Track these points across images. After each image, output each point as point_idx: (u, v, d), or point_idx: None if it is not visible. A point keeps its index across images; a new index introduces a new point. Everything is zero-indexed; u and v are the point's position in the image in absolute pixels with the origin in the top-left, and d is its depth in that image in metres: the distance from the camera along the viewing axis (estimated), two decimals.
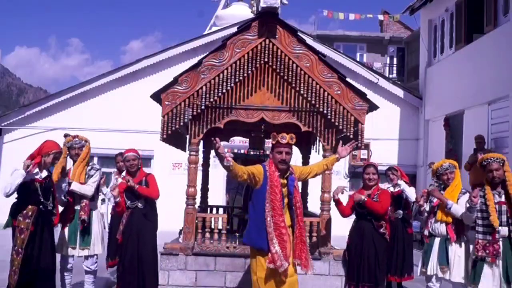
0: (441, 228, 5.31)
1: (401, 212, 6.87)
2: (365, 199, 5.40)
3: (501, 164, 4.96)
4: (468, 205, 5.04)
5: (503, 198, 4.93)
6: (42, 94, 78.76)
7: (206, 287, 5.65)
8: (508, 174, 4.93)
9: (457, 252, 5.22)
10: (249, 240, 4.56)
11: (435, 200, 5.45)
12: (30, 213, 5.14)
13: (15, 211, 5.17)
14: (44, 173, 5.33)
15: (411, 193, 6.78)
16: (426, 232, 5.54)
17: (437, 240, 5.37)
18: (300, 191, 4.74)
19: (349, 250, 5.52)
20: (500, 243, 4.86)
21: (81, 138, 5.86)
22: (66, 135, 5.98)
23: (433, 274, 5.36)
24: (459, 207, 5.21)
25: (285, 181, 4.56)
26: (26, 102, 39.45)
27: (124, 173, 5.98)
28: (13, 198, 5.25)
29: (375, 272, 5.34)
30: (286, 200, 4.55)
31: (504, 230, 4.85)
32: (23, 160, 5.13)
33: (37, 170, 5.25)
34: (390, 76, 21.88)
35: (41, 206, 5.20)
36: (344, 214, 5.59)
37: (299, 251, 4.53)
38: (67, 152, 5.83)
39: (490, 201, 4.89)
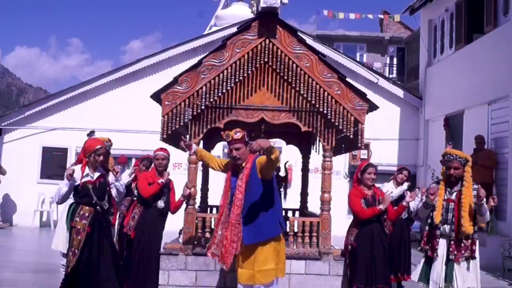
0: None
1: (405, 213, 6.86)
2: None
3: (462, 164, 4.83)
4: (424, 200, 5.01)
5: (453, 196, 4.85)
6: (42, 94, 78.69)
7: (206, 287, 5.64)
8: (467, 175, 4.80)
9: None
10: None
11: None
12: (87, 214, 5.12)
13: (72, 212, 5.16)
14: (96, 174, 5.28)
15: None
16: None
17: None
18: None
19: (354, 252, 5.37)
20: (441, 240, 4.81)
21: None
22: (92, 133, 6.07)
23: None
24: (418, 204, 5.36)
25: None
26: (26, 102, 39.45)
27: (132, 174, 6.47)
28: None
29: (386, 271, 5.34)
30: None
31: (445, 228, 4.79)
32: (67, 169, 5.21)
33: (87, 171, 5.22)
34: (390, 76, 21.89)
35: (97, 207, 5.19)
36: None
37: (223, 246, 4.50)
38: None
39: (439, 197, 4.83)
